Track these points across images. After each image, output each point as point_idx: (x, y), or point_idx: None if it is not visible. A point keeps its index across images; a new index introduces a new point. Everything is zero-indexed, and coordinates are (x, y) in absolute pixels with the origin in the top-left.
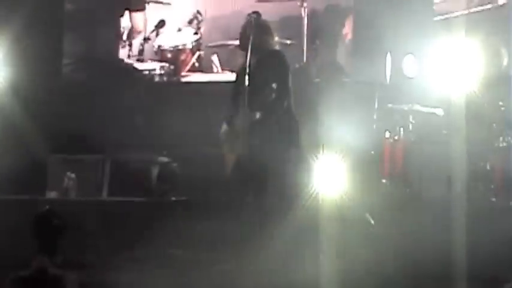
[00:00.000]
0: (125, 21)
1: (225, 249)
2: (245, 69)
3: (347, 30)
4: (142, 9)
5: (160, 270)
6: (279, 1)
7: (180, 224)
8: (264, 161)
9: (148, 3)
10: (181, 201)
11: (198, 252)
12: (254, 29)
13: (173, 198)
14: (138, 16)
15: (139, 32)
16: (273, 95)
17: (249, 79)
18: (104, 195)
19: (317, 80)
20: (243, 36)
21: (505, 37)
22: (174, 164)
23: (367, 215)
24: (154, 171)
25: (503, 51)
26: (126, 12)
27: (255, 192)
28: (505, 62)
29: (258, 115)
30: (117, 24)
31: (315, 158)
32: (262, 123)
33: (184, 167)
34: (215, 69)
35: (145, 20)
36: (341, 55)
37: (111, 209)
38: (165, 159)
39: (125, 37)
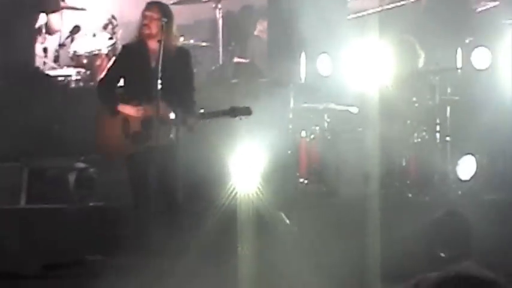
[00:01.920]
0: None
1: (144, 253)
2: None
3: (262, 30)
4: (58, 9)
5: (79, 277)
6: (193, 3)
7: (98, 229)
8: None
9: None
10: (99, 206)
11: (117, 258)
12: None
13: (91, 204)
14: (54, 16)
15: (56, 32)
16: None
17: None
18: (22, 203)
19: (234, 81)
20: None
21: (419, 33)
22: (92, 170)
23: (282, 214)
24: (72, 177)
25: (417, 48)
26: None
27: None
28: (418, 58)
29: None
30: (32, 29)
31: (231, 158)
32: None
33: (102, 173)
34: None
35: (62, 21)
36: (256, 56)
37: (29, 217)
38: (82, 165)
39: (40, 40)
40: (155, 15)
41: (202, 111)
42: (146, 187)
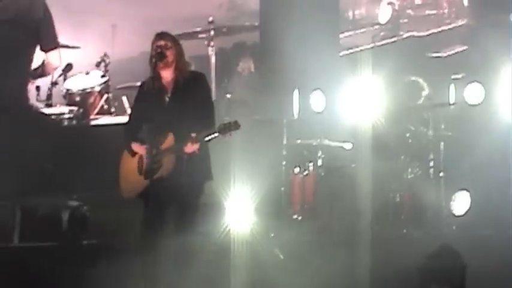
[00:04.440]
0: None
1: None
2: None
3: (243, 68)
4: (56, 46)
5: None
6: (186, 40)
7: (91, 267)
8: (183, 193)
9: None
10: (92, 244)
11: None
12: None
13: (84, 242)
14: (53, 54)
15: (55, 68)
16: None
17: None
18: (15, 241)
19: (226, 118)
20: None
21: (411, 69)
22: (85, 208)
23: (277, 250)
24: (65, 215)
25: (410, 84)
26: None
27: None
28: (411, 94)
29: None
30: (28, 67)
31: (226, 195)
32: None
33: (95, 211)
34: (128, 111)
35: (61, 58)
36: (249, 92)
37: (22, 255)
38: (75, 203)
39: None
40: (168, 43)
41: (193, 135)
42: (154, 221)
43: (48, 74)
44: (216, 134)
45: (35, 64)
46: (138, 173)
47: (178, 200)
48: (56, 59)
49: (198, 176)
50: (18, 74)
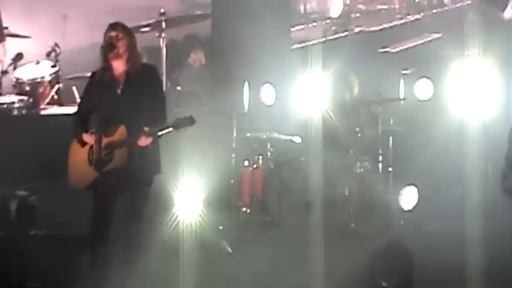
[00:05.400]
0: None
1: (86, 282)
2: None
3: (194, 59)
4: (2, 40)
5: None
6: (136, 32)
7: (39, 258)
8: (134, 185)
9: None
10: (41, 234)
11: (57, 287)
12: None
13: (32, 232)
14: None
15: None
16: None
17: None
18: None
19: (177, 109)
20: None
21: (360, 64)
22: (33, 197)
23: (224, 243)
24: (13, 205)
25: (353, 78)
26: None
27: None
28: (355, 89)
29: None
30: None
31: (175, 187)
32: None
33: (44, 201)
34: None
35: (5, 51)
36: (200, 84)
37: None
38: (23, 193)
39: None
40: (120, 34)
41: (146, 129)
42: (104, 212)
43: None
44: (170, 129)
45: None
46: (88, 163)
47: (128, 192)
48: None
49: (148, 169)
50: None
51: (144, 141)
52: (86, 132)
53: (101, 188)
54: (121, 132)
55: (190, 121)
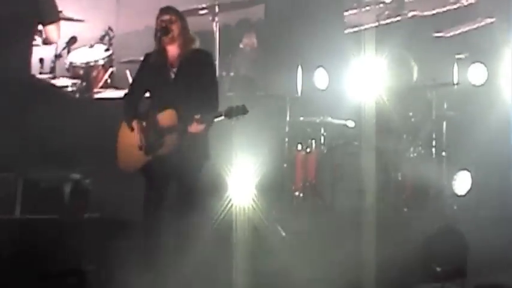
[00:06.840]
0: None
1: (139, 265)
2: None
3: (247, 43)
4: (56, 20)
5: None
6: (189, 16)
7: (93, 241)
8: (184, 171)
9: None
10: (95, 218)
11: (112, 270)
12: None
13: (86, 215)
14: (51, 28)
15: (53, 43)
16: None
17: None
18: (17, 213)
19: (230, 94)
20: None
21: (414, 48)
22: (87, 181)
23: (279, 227)
24: (67, 188)
25: (412, 63)
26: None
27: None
28: (414, 73)
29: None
30: (30, 40)
31: (228, 172)
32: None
33: (97, 184)
34: None
35: (59, 33)
36: (253, 69)
37: (24, 227)
38: (77, 176)
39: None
40: (173, 17)
41: (198, 116)
42: (156, 196)
43: (46, 45)
44: (223, 117)
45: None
46: (139, 148)
47: (178, 178)
48: (53, 34)
49: (198, 156)
50: (18, 46)
51: (195, 127)
52: (136, 116)
53: (152, 172)
54: (172, 117)
55: (243, 110)
